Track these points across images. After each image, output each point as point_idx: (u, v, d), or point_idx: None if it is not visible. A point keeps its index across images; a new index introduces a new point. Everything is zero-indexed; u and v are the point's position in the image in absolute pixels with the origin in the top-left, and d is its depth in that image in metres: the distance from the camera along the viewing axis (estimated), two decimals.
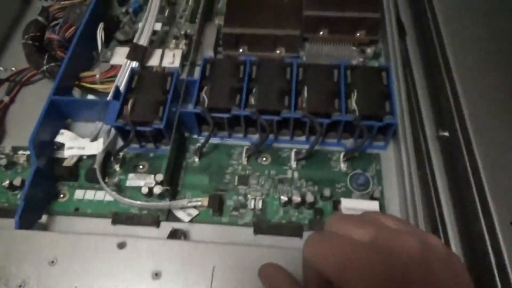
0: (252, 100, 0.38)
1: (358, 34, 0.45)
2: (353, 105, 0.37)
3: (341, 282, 0.20)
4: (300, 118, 0.37)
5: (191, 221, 0.36)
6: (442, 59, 0.40)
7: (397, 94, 0.38)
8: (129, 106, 0.38)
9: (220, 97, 0.38)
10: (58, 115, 0.41)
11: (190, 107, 0.39)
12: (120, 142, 0.41)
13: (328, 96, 0.38)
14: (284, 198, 0.35)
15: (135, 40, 0.44)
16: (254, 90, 0.39)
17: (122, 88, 0.41)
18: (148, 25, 0.45)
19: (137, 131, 0.37)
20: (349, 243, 0.20)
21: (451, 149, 0.37)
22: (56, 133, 0.40)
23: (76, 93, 0.44)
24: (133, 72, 0.40)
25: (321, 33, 0.45)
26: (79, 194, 0.37)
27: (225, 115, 0.38)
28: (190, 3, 0.52)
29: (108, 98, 0.41)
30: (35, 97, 0.45)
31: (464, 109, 0.36)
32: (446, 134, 0.39)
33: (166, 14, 0.50)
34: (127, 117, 0.37)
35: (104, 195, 0.37)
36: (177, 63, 0.45)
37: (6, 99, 0.44)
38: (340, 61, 0.40)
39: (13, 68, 0.47)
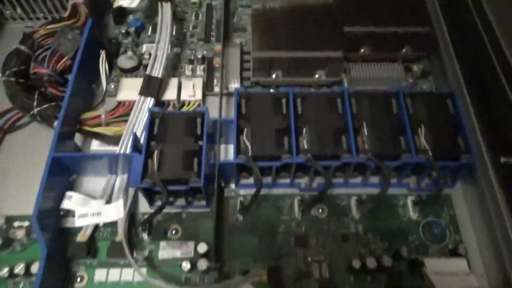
0: (304, 144, 0.32)
1: (404, 50, 0.39)
2: (423, 143, 0.32)
3: None
4: (364, 163, 0.31)
5: None
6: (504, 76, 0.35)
7: (469, 127, 0.33)
8: (155, 160, 0.31)
9: (265, 142, 0.32)
10: (61, 174, 0.33)
11: (229, 154, 0.32)
12: (141, 200, 0.34)
13: (391, 133, 0.32)
14: (356, 264, 0.30)
15: (147, 72, 0.36)
16: (304, 130, 0.32)
17: (140, 135, 0.34)
18: (162, 51, 0.37)
19: (169, 192, 0.30)
20: None
21: None
22: (60, 196, 0.32)
23: (78, 139, 0.36)
24: (153, 114, 0.33)
25: (362, 50, 0.39)
26: (100, 275, 0.30)
27: (274, 164, 0.31)
28: (200, 18, 0.44)
29: (121, 150, 0.34)
30: (24, 147, 0.37)
31: None
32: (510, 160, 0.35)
33: (173, 32, 0.43)
34: (154, 175, 0.30)
35: (133, 274, 0.30)
36: (198, 95, 0.38)
37: None
38: (395, 87, 0.34)
39: None
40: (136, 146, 0.32)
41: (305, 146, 0.32)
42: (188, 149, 0.31)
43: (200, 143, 0.32)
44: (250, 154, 0.31)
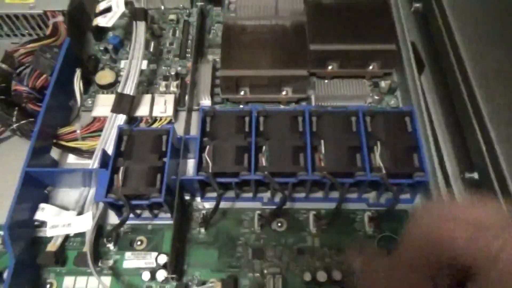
0: (263, 161, 0.33)
1: (371, 67, 0.40)
2: (378, 161, 0.33)
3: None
4: (319, 180, 0.33)
5: None
6: (468, 95, 0.36)
7: (425, 145, 0.34)
8: (120, 176, 0.32)
9: (225, 159, 0.33)
10: (35, 187, 0.35)
11: (190, 170, 0.34)
12: (111, 213, 0.35)
13: (348, 151, 0.33)
14: (307, 277, 0.31)
15: (119, 89, 0.38)
16: (264, 148, 0.34)
17: (110, 151, 0.35)
18: (134, 69, 0.39)
19: (132, 206, 0.32)
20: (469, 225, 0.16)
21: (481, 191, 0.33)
22: (35, 208, 0.34)
23: (55, 153, 0.38)
24: (120, 132, 0.35)
25: (329, 67, 0.41)
26: (68, 282, 0.32)
27: (233, 180, 0.33)
28: (177, 34, 0.46)
29: (93, 165, 0.35)
30: (3, 160, 0.39)
31: (497, 148, 0.32)
32: (474, 175, 0.35)
33: (151, 49, 0.44)
34: (118, 191, 0.32)
35: (98, 282, 0.32)
36: (169, 111, 0.39)
37: None
38: (357, 106, 0.36)
39: None
40: (104, 162, 0.34)
41: (263, 164, 0.33)
42: (152, 166, 0.33)
43: (164, 160, 0.33)
44: (210, 171, 0.33)
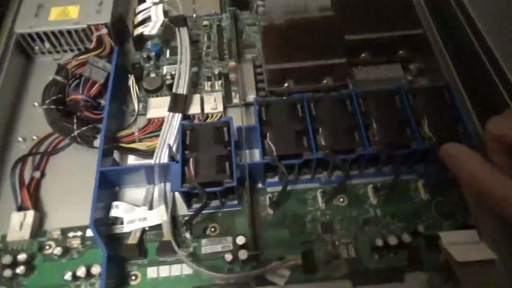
0: (322, 141, 0.36)
1: (400, 52, 0.44)
2: (426, 131, 0.36)
3: None
4: (376, 153, 0.35)
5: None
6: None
7: (465, 113, 0.37)
8: (191, 167, 0.34)
9: (287, 143, 0.35)
10: (107, 187, 0.37)
11: (254, 158, 0.36)
12: (179, 204, 0.37)
13: (398, 125, 0.36)
14: (379, 242, 0.33)
15: (173, 90, 0.40)
16: (320, 130, 0.36)
17: (174, 146, 0.38)
18: (184, 71, 0.41)
19: (207, 193, 0.34)
20: None
21: None
22: (108, 207, 0.36)
23: (115, 155, 0.40)
24: (183, 127, 0.37)
25: (362, 55, 0.44)
26: (152, 272, 0.34)
27: (297, 161, 0.35)
28: (212, 38, 0.49)
29: (158, 160, 0.37)
30: (65, 166, 0.41)
31: None
32: None
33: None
34: (192, 180, 0.34)
35: (181, 269, 0.34)
36: (220, 107, 0.42)
37: (37, 174, 0.39)
38: (397, 85, 0.39)
39: (34, 137, 0.42)
40: (171, 157, 0.36)
41: (323, 143, 0.36)
42: (219, 155, 0.35)
43: (228, 148, 0.36)
44: (275, 154, 0.35)
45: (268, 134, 0.36)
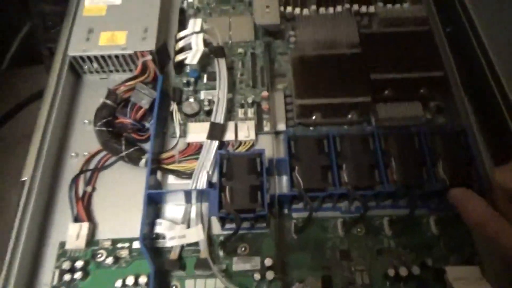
0: (345, 177, 0.40)
1: (421, 91, 0.47)
2: (441, 173, 0.40)
3: None
4: (394, 191, 0.39)
5: None
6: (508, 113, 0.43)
7: (478, 157, 0.40)
8: (227, 194, 0.39)
9: (313, 177, 0.40)
10: (152, 205, 0.42)
11: (281, 188, 0.41)
12: (214, 223, 0.42)
13: (415, 165, 0.40)
14: (391, 273, 0.37)
15: (212, 119, 0.45)
16: (344, 166, 0.40)
17: (211, 172, 0.42)
18: (222, 101, 0.46)
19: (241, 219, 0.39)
20: None
21: None
22: (152, 223, 0.41)
23: (158, 174, 0.45)
24: (221, 156, 0.41)
25: (386, 92, 0.47)
26: (189, 284, 0.39)
27: (321, 194, 0.39)
28: (245, 66, 0.53)
29: (193, 184, 0.42)
30: (113, 181, 0.45)
31: None
32: None
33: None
34: (229, 206, 0.38)
35: (215, 283, 0.39)
36: (252, 136, 0.46)
37: (89, 189, 0.44)
38: (417, 127, 0.42)
39: (85, 153, 0.47)
40: (210, 183, 0.41)
41: (346, 179, 0.40)
42: (252, 184, 0.39)
43: (261, 179, 0.40)
44: (302, 187, 0.39)
45: (296, 167, 0.40)
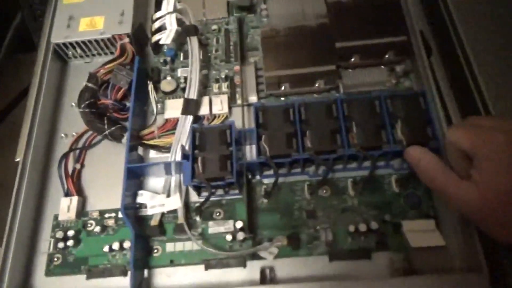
0: (308, 143, 0.42)
1: (387, 56, 0.48)
2: (399, 135, 0.42)
3: (476, 155, 0.33)
4: (354, 154, 0.42)
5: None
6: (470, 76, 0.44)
7: (436, 118, 0.42)
8: (199, 164, 0.42)
9: (279, 144, 0.42)
10: (133, 178, 0.45)
11: (252, 155, 0.44)
12: (191, 192, 0.45)
13: (375, 129, 0.42)
14: (351, 228, 0.41)
15: (185, 95, 0.48)
16: (307, 132, 0.43)
17: (186, 145, 0.45)
18: (194, 78, 0.48)
19: (212, 187, 0.42)
20: (481, 127, 0.34)
21: None
22: (135, 194, 0.45)
23: (139, 150, 0.48)
24: (194, 130, 0.44)
25: (352, 59, 0.49)
26: (170, 247, 0.43)
27: (286, 160, 0.42)
28: (220, 42, 0.55)
29: (172, 157, 0.45)
30: (100, 158, 0.49)
31: None
32: None
33: (201, 57, 0.53)
34: (200, 176, 0.42)
35: (192, 245, 0.42)
36: (225, 109, 0.49)
37: (78, 166, 0.48)
38: (379, 92, 0.44)
39: (74, 133, 0.50)
40: (184, 155, 0.44)
41: (309, 145, 0.42)
42: (222, 154, 0.42)
43: (230, 149, 0.43)
44: (268, 154, 0.42)
45: (263, 136, 0.43)
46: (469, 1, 0.47)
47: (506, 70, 0.43)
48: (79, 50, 0.55)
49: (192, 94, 0.48)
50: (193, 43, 0.50)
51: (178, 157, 0.45)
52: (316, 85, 0.48)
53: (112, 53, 0.55)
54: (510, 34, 0.46)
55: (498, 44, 0.45)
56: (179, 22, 0.52)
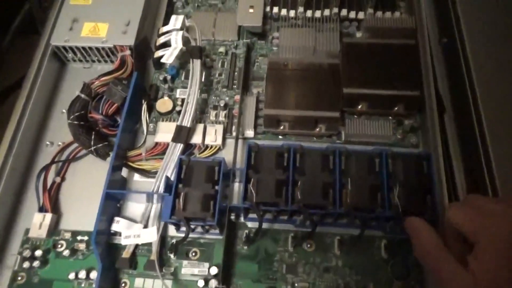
0: (298, 195, 0.40)
1: (396, 108, 0.46)
2: (395, 199, 0.39)
3: (474, 239, 0.30)
4: (345, 214, 0.39)
5: None
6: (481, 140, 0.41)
7: (438, 186, 0.40)
8: (181, 200, 0.40)
9: (267, 192, 0.40)
10: (112, 203, 0.43)
11: (236, 194, 0.42)
12: (170, 226, 0.43)
13: (371, 190, 0.39)
14: None
15: (178, 122, 0.45)
16: (299, 183, 0.40)
17: (171, 174, 0.43)
18: (191, 104, 0.46)
19: (190, 226, 0.40)
20: (482, 212, 0.31)
21: None
22: (111, 219, 0.43)
23: (123, 171, 0.46)
24: (181, 161, 0.42)
25: (359, 106, 0.46)
26: (139, 282, 0.41)
27: (273, 209, 0.40)
28: (225, 66, 0.52)
29: (156, 185, 0.43)
30: (83, 173, 0.47)
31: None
32: None
33: (203, 79, 0.51)
34: (180, 213, 0.39)
35: (161, 285, 0.40)
36: (219, 140, 0.46)
37: (58, 179, 0.46)
38: (381, 148, 0.41)
39: (60, 143, 0.48)
40: (168, 186, 0.42)
41: (299, 197, 0.40)
42: (207, 193, 0.40)
43: (217, 187, 0.41)
44: (254, 200, 0.40)
45: (252, 179, 0.41)
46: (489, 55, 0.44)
47: None
48: (79, 55, 0.53)
49: (186, 121, 0.45)
50: (195, 66, 0.47)
51: (162, 187, 0.43)
52: (317, 129, 0.45)
53: (112, 62, 0.53)
54: None
55: None
56: (185, 40, 0.50)
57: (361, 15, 0.52)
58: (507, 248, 0.29)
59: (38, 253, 0.41)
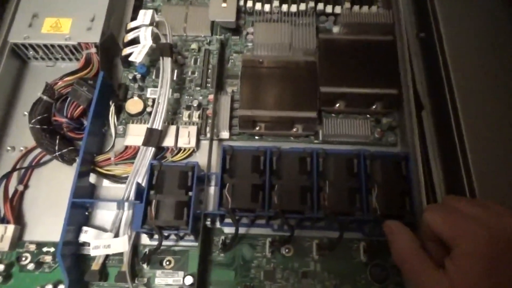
0: (275, 199, 0.39)
1: (374, 107, 0.45)
2: (374, 202, 0.38)
3: (452, 243, 0.29)
4: (323, 218, 0.38)
5: None
6: (458, 139, 0.41)
7: (417, 187, 0.39)
8: (153, 208, 0.38)
9: (243, 197, 0.38)
10: (79, 212, 0.41)
11: (211, 198, 0.40)
12: (143, 235, 0.41)
13: (349, 192, 0.39)
14: None
15: (149, 125, 0.43)
16: (276, 187, 0.39)
17: (142, 180, 0.41)
18: (162, 105, 0.43)
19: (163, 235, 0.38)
20: (461, 215, 0.30)
21: None
22: (79, 229, 0.40)
23: (92, 177, 0.44)
24: (152, 167, 0.40)
25: (337, 105, 0.45)
26: None
27: (249, 215, 0.38)
28: (198, 63, 0.50)
29: (126, 191, 0.41)
30: (48, 180, 0.44)
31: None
32: None
33: (174, 77, 0.48)
34: (152, 222, 0.37)
35: None
36: (192, 143, 0.44)
37: (21, 187, 0.43)
38: (358, 149, 0.40)
39: (22, 148, 0.45)
40: (138, 193, 0.40)
41: (275, 201, 0.38)
42: (180, 200, 0.38)
43: (190, 193, 0.39)
44: (230, 207, 0.38)
45: (227, 184, 0.39)
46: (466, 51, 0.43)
47: (497, 149, 0.39)
48: (40, 53, 0.49)
49: (157, 123, 0.43)
50: (166, 64, 0.45)
51: (132, 194, 0.41)
52: (294, 129, 0.44)
53: (78, 59, 0.49)
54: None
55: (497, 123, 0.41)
56: (155, 36, 0.47)
57: (338, 9, 0.50)
58: (485, 253, 0.29)
59: (0, 267, 0.39)
